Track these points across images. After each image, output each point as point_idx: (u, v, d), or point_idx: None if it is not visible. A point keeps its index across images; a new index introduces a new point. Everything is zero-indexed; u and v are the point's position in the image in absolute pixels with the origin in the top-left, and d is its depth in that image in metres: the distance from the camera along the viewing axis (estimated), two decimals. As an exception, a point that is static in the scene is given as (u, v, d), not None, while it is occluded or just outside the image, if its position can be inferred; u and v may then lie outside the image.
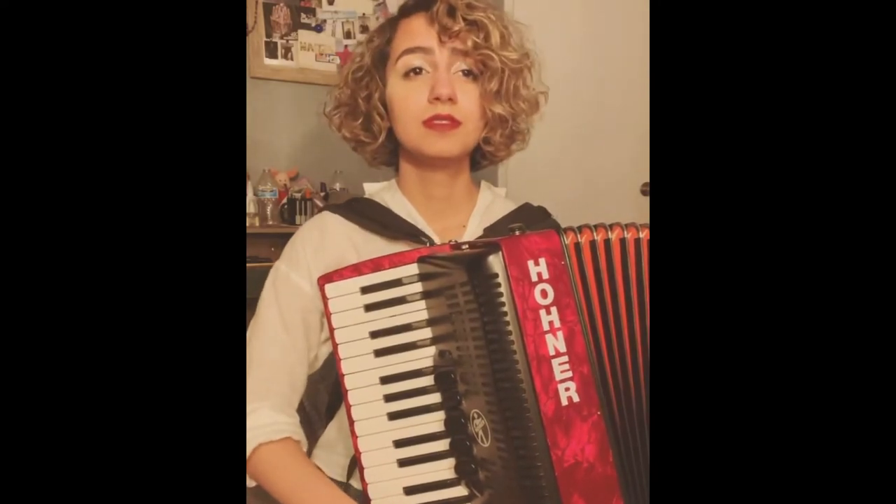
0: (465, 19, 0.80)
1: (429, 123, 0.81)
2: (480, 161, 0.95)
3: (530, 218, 0.92)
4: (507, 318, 0.62)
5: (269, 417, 0.79)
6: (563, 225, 0.96)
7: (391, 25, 0.87)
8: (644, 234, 0.67)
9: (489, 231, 0.86)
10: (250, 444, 0.77)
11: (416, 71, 0.82)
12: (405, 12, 0.86)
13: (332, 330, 0.75)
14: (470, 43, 0.80)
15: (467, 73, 0.82)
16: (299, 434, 0.82)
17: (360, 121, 0.89)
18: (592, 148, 2.45)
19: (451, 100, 0.80)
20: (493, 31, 0.80)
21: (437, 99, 0.80)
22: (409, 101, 0.82)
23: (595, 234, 0.66)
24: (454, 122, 0.81)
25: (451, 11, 0.80)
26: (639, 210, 2.39)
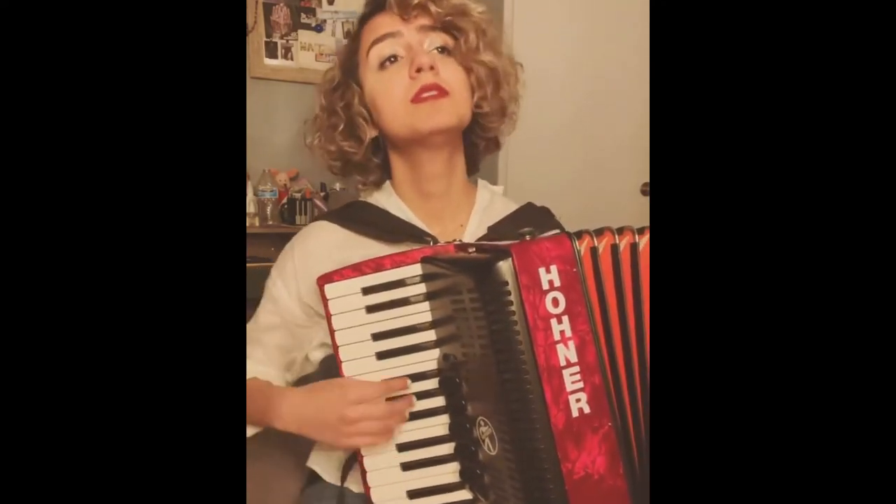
0: None
1: (417, 99, 0.80)
2: (476, 142, 0.93)
3: (533, 219, 0.90)
4: (517, 328, 0.60)
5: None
6: (566, 227, 0.95)
7: (354, 37, 0.87)
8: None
9: (492, 230, 0.84)
10: None
11: (391, 59, 0.82)
12: (364, 20, 0.86)
13: (332, 332, 0.74)
14: (433, 10, 0.81)
15: (442, 50, 0.82)
16: (267, 375, 0.84)
17: (340, 129, 0.87)
18: (592, 148, 2.45)
19: (433, 68, 0.80)
20: None
21: (419, 70, 0.79)
22: (391, 86, 0.81)
23: (617, 237, 0.64)
24: (442, 91, 0.80)
25: None
26: (639, 210, 2.39)
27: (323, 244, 0.85)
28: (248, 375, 0.85)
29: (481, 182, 0.95)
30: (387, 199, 0.89)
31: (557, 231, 0.68)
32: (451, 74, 0.81)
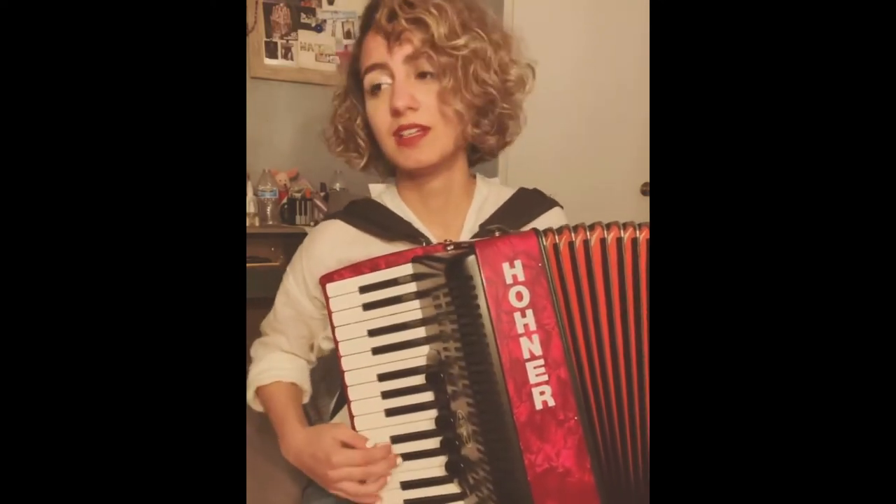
0: (406, 19, 0.78)
1: (397, 137, 0.81)
2: (472, 155, 0.94)
3: (527, 204, 0.92)
4: (482, 321, 0.62)
5: (265, 363, 0.91)
6: (565, 207, 0.95)
7: (357, 43, 0.87)
8: (628, 234, 0.66)
9: (483, 228, 0.86)
10: (250, 388, 0.91)
11: (379, 87, 0.82)
12: (363, 29, 0.86)
13: (333, 328, 0.77)
14: (417, 42, 0.79)
15: (424, 76, 0.80)
16: (291, 376, 0.90)
17: (342, 146, 0.92)
18: (593, 148, 2.45)
19: (412, 108, 0.79)
20: (434, 25, 0.78)
21: (397, 111, 0.80)
22: (377, 116, 0.83)
23: (573, 235, 0.65)
24: (423, 129, 0.80)
25: (392, 15, 0.79)
26: (639, 210, 2.39)
27: (329, 242, 0.87)
28: (276, 366, 0.90)
29: (479, 178, 0.95)
30: (391, 199, 0.92)
31: (533, 228, 0.68)
32: (432, 105, 0.80)
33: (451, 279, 0.64)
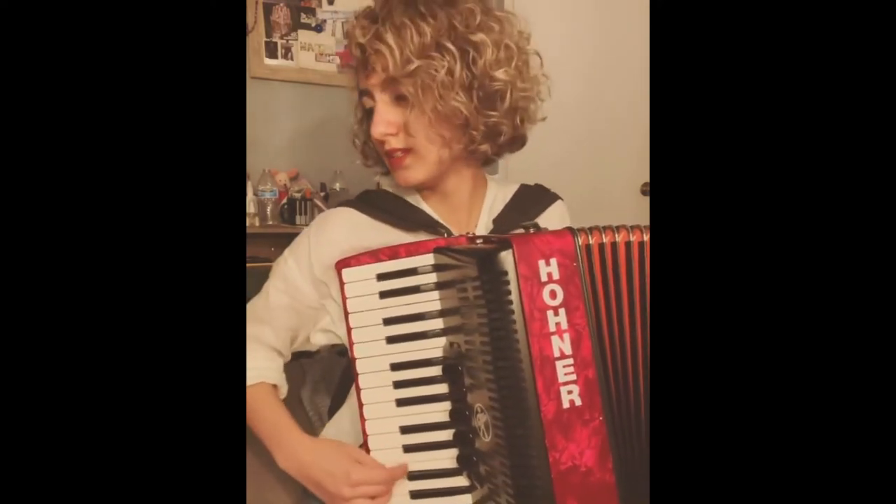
0: (370, 49, 0.78)
1: (388, 158, 0.84)
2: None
3: (533, 199, 0.94)
4: (514, 317, 0.62)
5: (248, 361, 0.84)
6: (564, 202, 0.97)
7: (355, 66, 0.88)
8: (648, 237, 0.67)
9: (497, 223, 0.87)
10: None
11: (371, 110, 0.83)
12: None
13: (346, 314, 0.76)
14: (380, 70, 0.79)
15: (400, 99, 0.80)
16: (274, 377, 0.85)
17: (362, 158, 0.94)
18: (593, 148, 2.45)
19: (390, 134, 0.81)
20: (388, 54, 0.76)
21: (376, 140, 0.82)
22: (373, 138, 0.84)
23: (604, 236, 0.66)
24: (404, 151, 0.82)
25: (359, 46, 0.80)
26: (639, 210, 2.39)
27: (341, 226, 0.86)
28: (259, 364, 0.85)
29: (488, 177, 0.96)
30: (405, 190, 0.91)
31: (567, 226, 0.69)
32: (413, 127, 0.80)
33: (483, 272, 0.63)
